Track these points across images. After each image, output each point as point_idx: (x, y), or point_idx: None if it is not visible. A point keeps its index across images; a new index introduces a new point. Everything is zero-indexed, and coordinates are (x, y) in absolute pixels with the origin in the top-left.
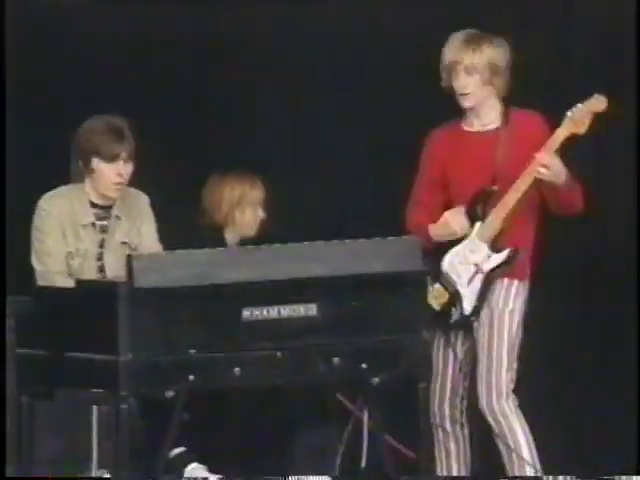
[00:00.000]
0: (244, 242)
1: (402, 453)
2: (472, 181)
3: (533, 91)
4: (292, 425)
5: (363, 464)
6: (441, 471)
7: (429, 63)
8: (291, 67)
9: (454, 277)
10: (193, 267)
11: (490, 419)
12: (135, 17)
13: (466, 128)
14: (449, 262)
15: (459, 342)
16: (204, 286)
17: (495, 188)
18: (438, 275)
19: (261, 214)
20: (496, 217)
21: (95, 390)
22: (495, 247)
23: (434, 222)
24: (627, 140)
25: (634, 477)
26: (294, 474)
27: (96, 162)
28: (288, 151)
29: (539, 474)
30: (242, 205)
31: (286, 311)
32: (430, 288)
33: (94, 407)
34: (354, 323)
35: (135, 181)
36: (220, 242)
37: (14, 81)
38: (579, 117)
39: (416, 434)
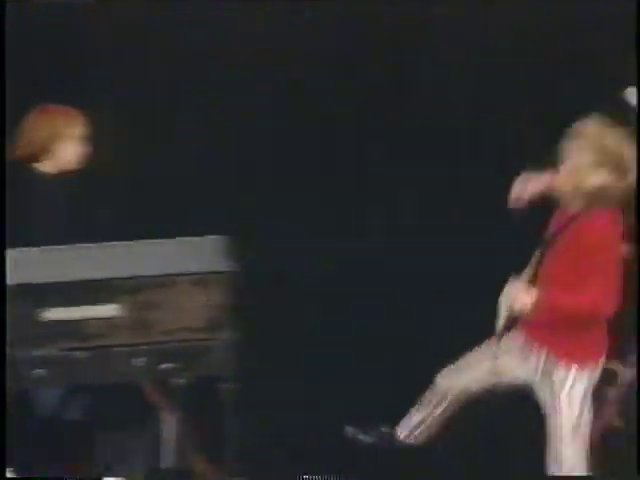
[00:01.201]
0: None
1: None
2: None
3: None
4: (96, 425)
5: (166, 464)
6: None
7: None
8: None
9: None
10: None
11: None
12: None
13: None
14: None
15: None
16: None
17: None
18: None
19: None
20: None
21: None
22: None
23: None
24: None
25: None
26: (97, 474)
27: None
28: None
29: None
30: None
31: (89, 311)
32: None
33: None
34: (157, 323)
35: None
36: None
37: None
38: None
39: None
